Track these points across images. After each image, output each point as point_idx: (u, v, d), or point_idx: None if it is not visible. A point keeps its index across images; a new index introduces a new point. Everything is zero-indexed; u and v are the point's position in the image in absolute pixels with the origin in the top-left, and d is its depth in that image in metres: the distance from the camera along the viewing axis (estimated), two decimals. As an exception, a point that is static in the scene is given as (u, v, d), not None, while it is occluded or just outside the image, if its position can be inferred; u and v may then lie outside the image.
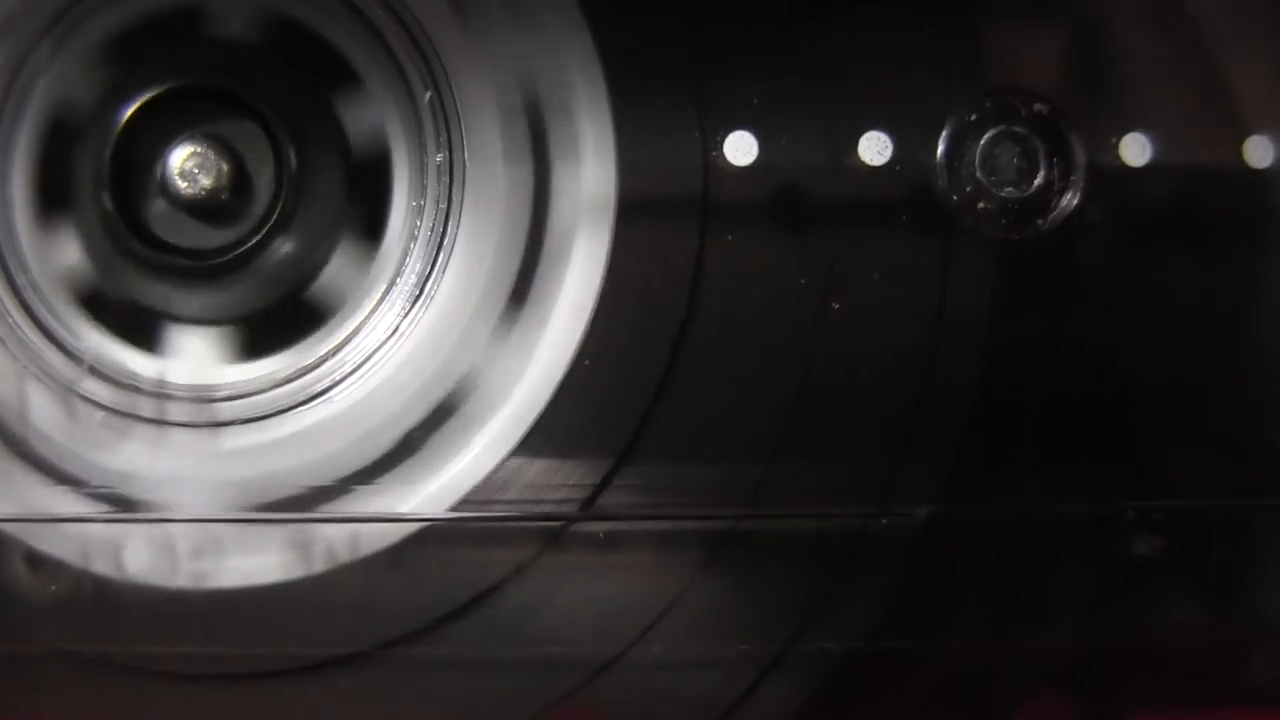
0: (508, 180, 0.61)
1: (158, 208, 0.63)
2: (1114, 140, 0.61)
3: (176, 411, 0.62)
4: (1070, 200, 0.61)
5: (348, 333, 0.63)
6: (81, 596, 0.60)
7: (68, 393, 0.61)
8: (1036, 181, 0.61)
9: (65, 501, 0.60)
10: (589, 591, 0.61)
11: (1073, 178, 0.61)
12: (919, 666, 0.62)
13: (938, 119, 0.61)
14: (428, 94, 0.62)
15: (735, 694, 0.61)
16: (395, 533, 0.60)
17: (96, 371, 0.62)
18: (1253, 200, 0.62)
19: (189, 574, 0.60)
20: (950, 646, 0.62)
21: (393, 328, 0.62)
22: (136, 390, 0.62)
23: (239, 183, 0.63)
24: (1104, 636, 0.62)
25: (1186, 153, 0.61)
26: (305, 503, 0.61)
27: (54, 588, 0.60)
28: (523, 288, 0.61)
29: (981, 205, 0.61)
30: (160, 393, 0.62)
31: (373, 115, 0.63)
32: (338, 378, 0.62)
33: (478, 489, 0.61)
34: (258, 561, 0.60)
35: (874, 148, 0.61)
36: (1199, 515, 0.62)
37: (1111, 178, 0.61)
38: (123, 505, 0.60)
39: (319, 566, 0.60)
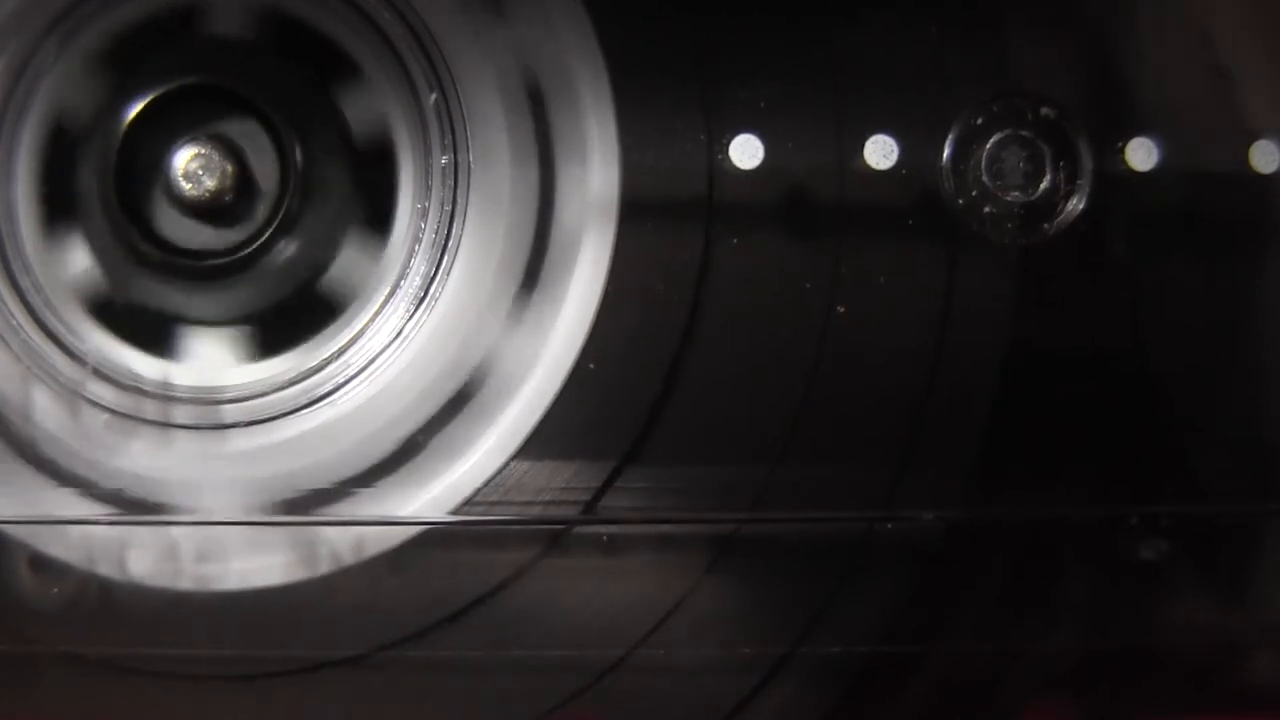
0: (512, 183, 0.61)
1: (162, 209, 0.63)
2: (1120, 145, 0.61)
3: (181, 414, 0.62)
4: (1076, 205, 0.61)
5: (352, 335, 0.63)
6: (86, 598, 0.60)
7: (72, 395, 0.61)
8: (1043, 186, 0.61)
9: (70, 503, 0.60)
10: (592, 594, 0.61)
11: (1079, 182, 0.61)
12: (924, 670, 0.62)
13: (944, 123, 0.61)
14: (433, 96, 0.62)
15: (739, 698, 0.61)
16: (398, 535, 0.60)
17: (101, 374, 0.62)
18: (1259, 205, 0.62)
19: (193, 576, 0.60)
20: (955, 650, 0.62)
21: (397, 330, 0.62)
22: (141, 392, 0.62)
23: (243, 184, 0.63)
24: (1110, 640, 0.62)
25: (1193, 157, 0.61)
26: (309, 505, 0.61)
27: (58, 590, 0.60)
28: (527, 290, 0.61)
29: (988, 209, 0.61)
30: (165, 395, 0.62)
31: (378, 118, 0.63)
32: (342, 380, 0.62)
33: (481, 491, 0.61)
34: (262, 564, 0.60)
35: (880, 151, 0.61)
36: (1205, 519, 0.62)
37: (1118, 182, 0.61)
38: (127, 507, 0.60)
39: (323, 569, 0.60)
